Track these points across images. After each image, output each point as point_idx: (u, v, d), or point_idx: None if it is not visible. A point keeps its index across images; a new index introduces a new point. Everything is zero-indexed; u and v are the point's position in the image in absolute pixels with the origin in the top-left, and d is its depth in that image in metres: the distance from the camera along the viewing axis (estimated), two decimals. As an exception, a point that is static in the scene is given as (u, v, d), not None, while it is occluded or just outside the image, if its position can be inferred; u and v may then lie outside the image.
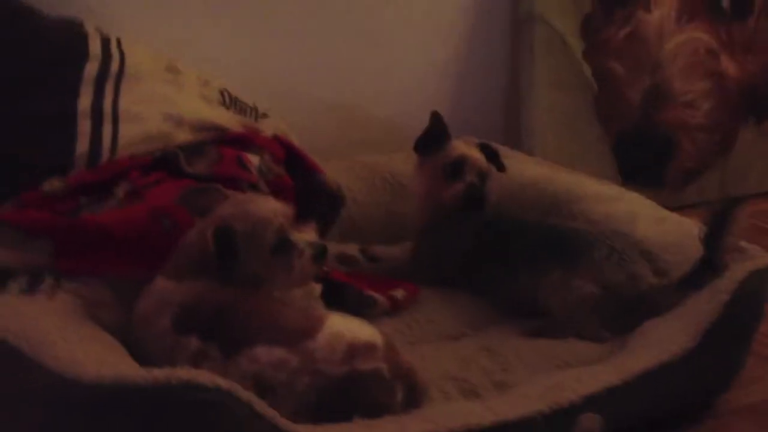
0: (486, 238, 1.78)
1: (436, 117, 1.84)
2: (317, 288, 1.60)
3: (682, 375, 1.42)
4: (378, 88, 2.35)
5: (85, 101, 1.58)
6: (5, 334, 1.18)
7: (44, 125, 1.55)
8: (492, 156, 1.86)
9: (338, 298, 1.63)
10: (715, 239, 1.54)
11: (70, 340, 1.17)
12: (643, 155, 2.54)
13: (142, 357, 1.24)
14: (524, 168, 2.12)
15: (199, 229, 1.38)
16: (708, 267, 1.55)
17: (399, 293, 1.72)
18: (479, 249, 1.78)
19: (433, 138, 1.84)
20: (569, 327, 1.62)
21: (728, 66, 2.61)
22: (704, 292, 1.51)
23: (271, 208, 1.40)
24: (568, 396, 1.31)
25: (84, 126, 1.55)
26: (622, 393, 1.35)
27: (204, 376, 1.07)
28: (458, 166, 1.80)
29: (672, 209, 1.91)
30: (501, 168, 1.87)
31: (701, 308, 1.47)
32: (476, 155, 1.82)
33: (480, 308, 1.75)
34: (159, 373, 1.05)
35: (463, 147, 1.83)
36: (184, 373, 1.06)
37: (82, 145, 1.54)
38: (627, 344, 1.52)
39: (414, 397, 1.33)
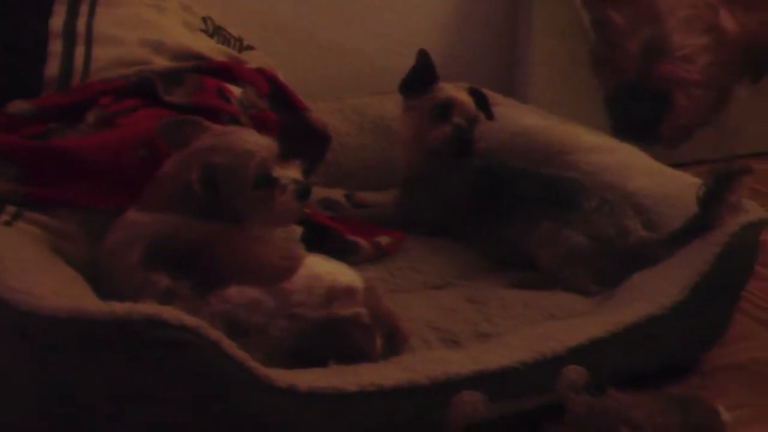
0: (475, 186, 1.74)
1: (423, 55, 1.77)
2: (298, 230, 1.55)
3: (670, 329, 1.40)
4: (371, 28, 2.29)
5: (57, 20, 1.50)
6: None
7: (12, 45, 1.47)
8: (481, 102, 1.79)
9: (320, 243, 1.58)
10: (714, 196, 1.50)
11: (29, 271, 1.12)
12: (638, 109, 2.48)
13: (108, 294, 1.17)
14: (517, 116, 2.07)
15: (177, 161, 1.33)
16: (702, 222, 1.51)
17: (383, 240, 1.68)
18: (468, 198, 1.74)
19: (419, 79, 1.77)
20: (557, 279, 1.59)
21: (727, 21, 2.53)
22: (695, 245, 1.48)
23: (254, 141, 1.35)
24: (553, 346, 1.28)
25: (55, 47, 1.47)
26: (609, 346, 1.32)
27: (168, 313, 1.01)
28: (445, 108, 1.73)
29: (664, 167, 1.86)
30: (490, 115, 1.81)
31: (691, 261, 1.44)
32: (465, 99, 1.76)
33: (467, 258, 1.71)
34: (119, 308, 0.99)
35: (452, 89, 1.77)
36: (146, 308, 1.00)
37: (52, 67, 1.46)
38: (615, 297, 1.49)
39: (394, 345, 1.30)
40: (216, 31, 1.73)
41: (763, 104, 2.68)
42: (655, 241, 1.58)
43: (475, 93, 1.79)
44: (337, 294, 1.23)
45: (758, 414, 1.37)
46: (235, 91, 1.57)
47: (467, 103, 1.75)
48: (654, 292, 1.41)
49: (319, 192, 1.89)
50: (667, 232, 1.58)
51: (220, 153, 1.31)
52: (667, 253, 1.52)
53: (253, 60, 1.74)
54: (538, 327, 1.38)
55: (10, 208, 1.32)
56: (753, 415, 1.37)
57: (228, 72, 1.61)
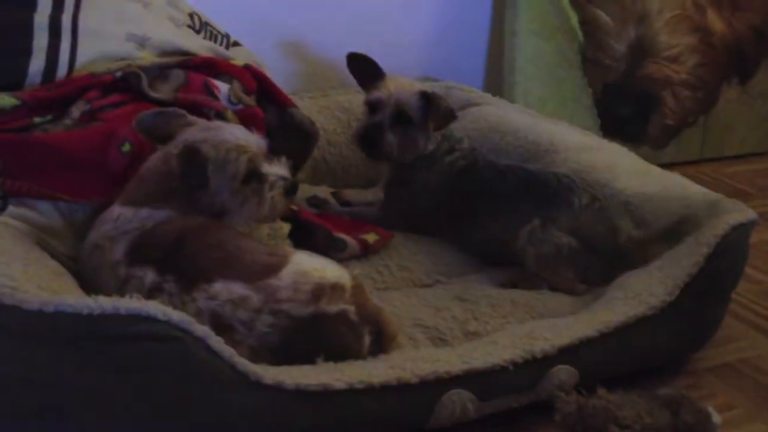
0: (461, 185, 1.72)
1: (349, 59, 1.75)
2: (285, 227, 1.53)
3: (659, 329, 1.40)
4: (357, 27, 2.27)
5: (42, 14, 1.47)
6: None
7: (-4, 39, 1.45)
8: (426, 106, 1.68)
9: (307, 239, 1.56)
10: None
11: (13, 265, 1.10)
12: (625, 109, 2.48)
13: (93, 289, 1.17)
14: (505, 115, 2.06)
15: (164, 154, 1.31)
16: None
17: (371, 237, 1.67)
18: (455, 196, 1.72)
19: (367, 77, 1.74)
20: (544, 278, 1.58)
21: (715, 22, 2.55)
22: (684, 245, 1.48)
23: (244, 137, 1.34)
24: (542, 346, 1.27)
25: (40, 40, 1.45)
26: (598, 346, 1.32)
27: (154, 307, 1.00)
28: (372, 105, 1.71)
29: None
30: (436, 123, 1.68)
31: (681, 261, 1.44)
32: (395, 97, 1.67)
33: (455, 256, 1.70)
34: (105, 302, 0.98)
35: (391, 87, 1.69)
36: (132, 302, 0.99)
37: (37, 61, 1.44)
38: (604, 296, 1.48)
39: (381, 343, 1.29)
40: (203, 27, 1.70)
41: (751, 105, 2.70)
42: (644, 240, 1.58)
43: (425, 96, 1.69)
44: (324, 290, 1.21)
45: (748, 415, 1.37)
46: (221, 86, 1.55)
47: (396, 102, 1.67)
48: (643, 292, 1.41)
49: (306, 190, 1.88)
50: (656, 231, 1.58)
51: (210, 146, 1.29)
52: (657, 252, 1.52)
53: (240, 56, 1.72)
54: (527, 326, 1.37)
55: (-6, 203, 1.30)
56: (743, 415, 1.37)
57: (214, 67, 1.59)
